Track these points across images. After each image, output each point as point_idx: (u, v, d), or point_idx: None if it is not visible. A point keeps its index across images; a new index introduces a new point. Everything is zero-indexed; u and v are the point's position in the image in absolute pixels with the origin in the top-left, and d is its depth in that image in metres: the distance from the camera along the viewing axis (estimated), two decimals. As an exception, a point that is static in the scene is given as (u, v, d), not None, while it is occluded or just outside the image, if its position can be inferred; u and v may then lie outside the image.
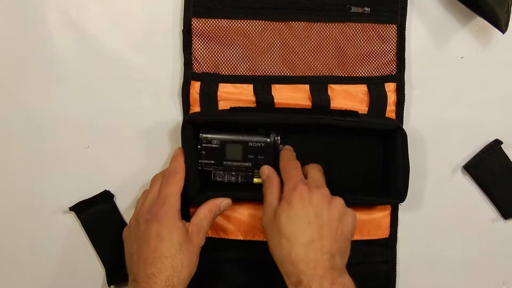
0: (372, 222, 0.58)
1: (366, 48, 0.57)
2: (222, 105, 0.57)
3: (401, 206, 0.59)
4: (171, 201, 0.50)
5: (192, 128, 0.54)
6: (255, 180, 0.56)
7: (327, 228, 0.47)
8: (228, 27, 0.56)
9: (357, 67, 0.57)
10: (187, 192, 0.53)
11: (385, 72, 0.57)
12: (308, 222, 0.47)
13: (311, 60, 0.57)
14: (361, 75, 0.57)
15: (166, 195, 0.51)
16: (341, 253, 0.47)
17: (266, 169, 0.53)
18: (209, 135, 0.55)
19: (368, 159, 0.58)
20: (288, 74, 0.57)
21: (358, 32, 0.57)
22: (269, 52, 0.57)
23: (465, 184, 0.60)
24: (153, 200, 0.52)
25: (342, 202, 0.49)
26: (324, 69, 0.57)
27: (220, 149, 0.55)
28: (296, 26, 0.57)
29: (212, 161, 0.55)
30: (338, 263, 0.46)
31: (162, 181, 0.52)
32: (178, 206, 0.51)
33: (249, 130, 0.55)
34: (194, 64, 0.57)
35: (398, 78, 0.58)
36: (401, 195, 0.55)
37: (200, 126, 0.55)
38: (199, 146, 0.55)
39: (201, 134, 0.55)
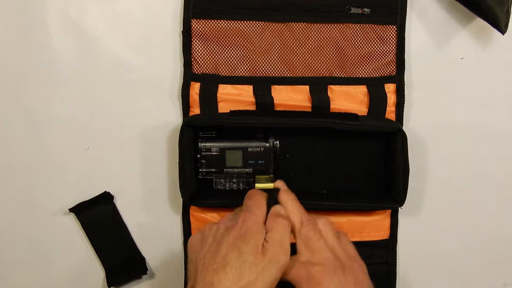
0: (372, 224, 0.58)
1: (366, 49, 0.57)
2: (222, 106, 0.57)
3: (401, 208, 0.59)
4: (258, 210, 0.46)
5: (191, 130, 0.54)
6: (257, 185, 0.56)
7: None
8: (228, 28, 0.56)
9: (357, 68, 0.57)
10: (183, 193, 0.54)
11: (385, 73, 0.57)
12: None
13: (311, 61, 0.57)
14: (360, 76, 0.57)
15: (252, 204, 0.47)
16: None
17: None
18: (208, 143, 0.55)
19: (368, 161, 0.58)
20: (288, 75, 0.57)
21: (358, 33, 0.57)
22: (269, 53, 0.57)
23: (463, 186, 0.60)
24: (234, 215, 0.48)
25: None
26: (324, 70, 0.57)
27: (220, 156, 0.55)
28: (295, 27, 0.57)
29: (213, 169, 0.55)
30: None
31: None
32: (263, 218, 0.45)
33: (248, 136, 0.56)
34: (194, 65, 0.57)
35: (398, 79, 0.58)
36: (401, 197, 0.55)
37: (200, 129, 0.55)
38: (198, 155, 0.55)
39: (200, 144, 0.55)
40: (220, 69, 0.57)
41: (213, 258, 0.43)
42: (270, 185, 0.56)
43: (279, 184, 0.50)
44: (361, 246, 0.57)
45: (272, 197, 0.48)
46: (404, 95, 0.58)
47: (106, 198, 0.59)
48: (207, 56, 0.57)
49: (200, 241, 0.47)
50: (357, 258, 0.48)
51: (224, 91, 0.57)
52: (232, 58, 0.57)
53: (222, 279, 0.42)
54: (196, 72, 0.57)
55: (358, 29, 0.57)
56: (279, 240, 0.44)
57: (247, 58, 0.57)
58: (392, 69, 0.58)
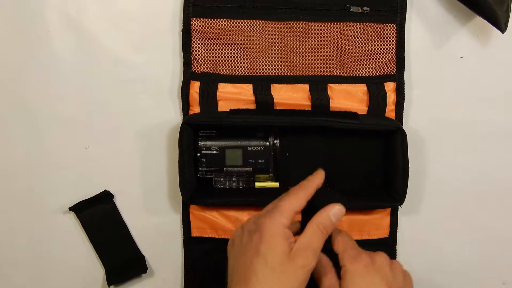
0: (372, 222, 0.58)
1: (366, 47, 0.57)
2: (222, 105, 0.57)
3: (401, 206, 0.59)
4: (280, 214, 0.44)
5: (191, 129, 0.54)
6: (257, 184, 0.56)
7: None
8: (228, 27, 0.56)
9: (357, 67, 0.57)
10: (183, 191, 0.54)
11: (385, 71, 0.57)
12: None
13: (310, 59, 0.57)
14: (360, 74, 0.57)
15: (278, 206, 0.45)
16: None
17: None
18: (208, 142, 0.55)
19: (368, 160, 0.58)
20: (288, 73, 0.57)
21: (358, 32, 0.57)
22: (269, 52, 0.57)
23: (463, 184, 0.60)
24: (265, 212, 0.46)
25: (398, 263, 0.48)
26: (324, 69, 0.57)
27: (219, 155, 0.55)
28: (295, 25, 0.57)
29: (213, 168, 0.55)
30: None
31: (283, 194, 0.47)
32: (287, 222, 0.44)
33: (248, 134, 0.56)
34: (194, 64, 0.57)
35: (398, 77, 0.58)
36: (400, 195, 0.55)
37: (199, 128, 0.55)
38: (198, 154, 0.55)
39: (200, 142, 0.55)
40: (220, 68, 0.57)
41: (241, 268, 0.43)
42: (273, 184, 0.56)
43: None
44: (360, 245, 0.58)
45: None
46: (404, 93, 0.58)
47: (106, 197, 0.59)
48: (206, 55, 0.57)
49: (232, 244, 0.47)
50: None
51: (224, 89, 0.57)
52: (232, 57, 0.57)
53: None
54: (196, 71, 0.57)
55: (358, 28, 0.57)
56: (310, 244, 0.43)
57: (247, 57, 0.57)
58: (392, 67, 0.58)
